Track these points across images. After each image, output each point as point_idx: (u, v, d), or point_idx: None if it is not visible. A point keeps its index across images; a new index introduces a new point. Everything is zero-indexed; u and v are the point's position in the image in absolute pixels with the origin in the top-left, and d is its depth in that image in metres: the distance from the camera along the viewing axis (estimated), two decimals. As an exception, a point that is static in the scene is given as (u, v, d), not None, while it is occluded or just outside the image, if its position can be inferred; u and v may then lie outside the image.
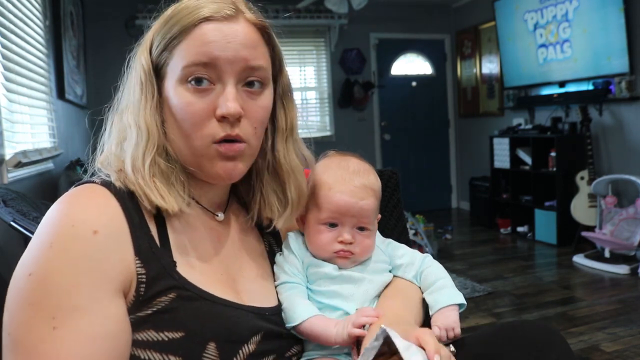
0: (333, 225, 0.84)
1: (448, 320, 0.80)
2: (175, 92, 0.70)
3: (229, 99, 0.69)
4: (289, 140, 0.82)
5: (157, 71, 0.73)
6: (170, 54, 0.71)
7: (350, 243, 0.83)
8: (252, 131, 0.73)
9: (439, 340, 0.77)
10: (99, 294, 0.60)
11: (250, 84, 0.72)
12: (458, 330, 0.80)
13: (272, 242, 0.90)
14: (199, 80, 0.69)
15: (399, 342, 0.66)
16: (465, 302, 0.84)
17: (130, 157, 0.70)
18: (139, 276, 0.64)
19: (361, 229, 0.85)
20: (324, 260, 0.85)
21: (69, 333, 0.57)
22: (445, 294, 0.83)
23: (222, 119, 0.70)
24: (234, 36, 0.70)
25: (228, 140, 0.71)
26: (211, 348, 0.66)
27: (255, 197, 0.83)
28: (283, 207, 0.82)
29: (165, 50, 0.71)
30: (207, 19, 0.69)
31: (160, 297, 0.65)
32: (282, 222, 0.83)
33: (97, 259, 0.61)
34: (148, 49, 0.74)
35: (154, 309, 0.65)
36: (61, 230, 0.62)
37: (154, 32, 0.74)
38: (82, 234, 0.62)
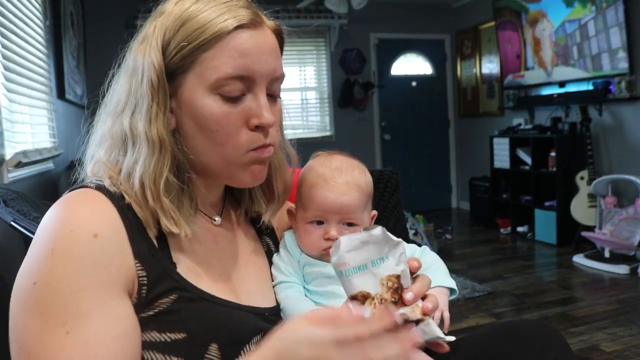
0: (320, 223, 0.85)
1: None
2: (205, 101, 0.68)
3: (265, 109, 0.70)
4: None
5: (170, 75, 0.68)
6: (196, 59, 0.67)
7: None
8: (277, 134, 0.75)
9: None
10: (105, 295, 0.60)
11: (271, 90, 0.73)
12: (447, 313, 0.80)
13: (269, 243, 0.90)
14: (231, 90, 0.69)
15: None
16: (456, 289, 0.84)
17: (139, 174, 0.67)
18: (140, 279, 0.64)
19: (349, 224, 0.85)
20: (317, 259, 0.86)
21: (81, 337, 0.57)
22: (437, 276, 0.84)
23: (256, 128, 0.70)
24: (264, 46, 0.70)
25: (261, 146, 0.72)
26: (213, 349, 0.66)
27: (245, 191, 0.85)
28: (270, 200, 0.86)
29: (190, 56, 0.67)
30: (240, 27, 0.68)
31: (162, 299, 0.65)
32: (269, 215, 0.86)
33: (100, 262, 0.61)
34: (160, 50, 0.68)
35: (156, 310, 0.65)
36: (60, 236, 0.61)
37: (164, 31, 0.68)
38: (82, 239, 0.61)
